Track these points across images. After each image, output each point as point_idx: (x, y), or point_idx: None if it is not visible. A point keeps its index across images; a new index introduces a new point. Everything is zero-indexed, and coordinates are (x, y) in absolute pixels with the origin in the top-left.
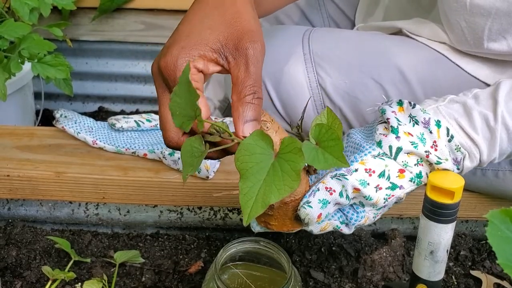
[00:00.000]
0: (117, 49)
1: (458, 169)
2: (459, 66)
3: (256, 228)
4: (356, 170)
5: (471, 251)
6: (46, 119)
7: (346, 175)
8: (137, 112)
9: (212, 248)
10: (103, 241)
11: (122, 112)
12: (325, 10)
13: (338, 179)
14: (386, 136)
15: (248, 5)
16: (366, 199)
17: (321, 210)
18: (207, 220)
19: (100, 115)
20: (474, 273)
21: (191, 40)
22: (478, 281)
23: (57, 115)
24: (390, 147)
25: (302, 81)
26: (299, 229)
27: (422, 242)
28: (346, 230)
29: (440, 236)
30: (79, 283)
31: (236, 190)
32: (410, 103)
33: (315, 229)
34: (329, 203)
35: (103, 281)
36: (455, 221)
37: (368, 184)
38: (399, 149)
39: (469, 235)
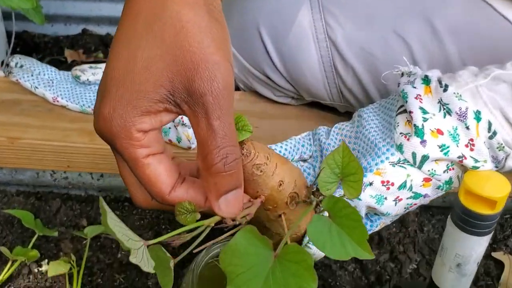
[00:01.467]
0: None
1: (496, 167)
2: (506, 17)
3: None
4: (370, 184)
5: None
6: (25, 43)
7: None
8: None
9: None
10: (74, 208)
11: (108, 36)
12: None
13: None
14: (408, 139)
15: (199, 9)
16: (383, 215)
17: None
18: None
19: (84, 38)
20: (496, 255)
21: (124, 94)
22: (500, 264)
23: (12, 64)
24: (414, 155)
25: (307, 31)
26: None
27: (447, 252)
28: None
29: (472, 249)
30: (46, 260)
31: None
32: (440, 83)
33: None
34: None
35: (71, 261)
36: (493, 232)
37: (386, 199)
38: (425, 158)
39: None
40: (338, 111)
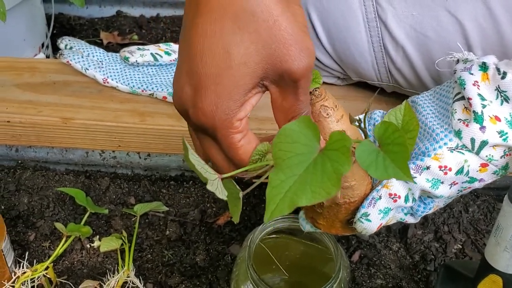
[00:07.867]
0: None
1: None
2: None
3: (306, 226)
4: (427, 168)
5: None
6: (62, 26)
7: (415, 176)
8: (157, 17)
9: (243, 196)
10: (123, 186)
11: (142, 18)
12: None
13: (405, 181)
14: (467, 125)
15: (291, 4)
16: (437, 197)
17: (381, 220)
18: None
19: (118, 20)
20: None
21: (224, 91)
22: None
23: (61, 46)
24: (473, 140)
25: (356, 11)
26: (350, 234)
27: (503, 232)
28: (411, 220)
29: None
30: (97, 236)
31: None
32: (498, 70)
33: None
34: (391, 210)
35: (123, 237)
36: None
37: (442, 183)
38: (483, 143)
39: None
40: (385, 91)
